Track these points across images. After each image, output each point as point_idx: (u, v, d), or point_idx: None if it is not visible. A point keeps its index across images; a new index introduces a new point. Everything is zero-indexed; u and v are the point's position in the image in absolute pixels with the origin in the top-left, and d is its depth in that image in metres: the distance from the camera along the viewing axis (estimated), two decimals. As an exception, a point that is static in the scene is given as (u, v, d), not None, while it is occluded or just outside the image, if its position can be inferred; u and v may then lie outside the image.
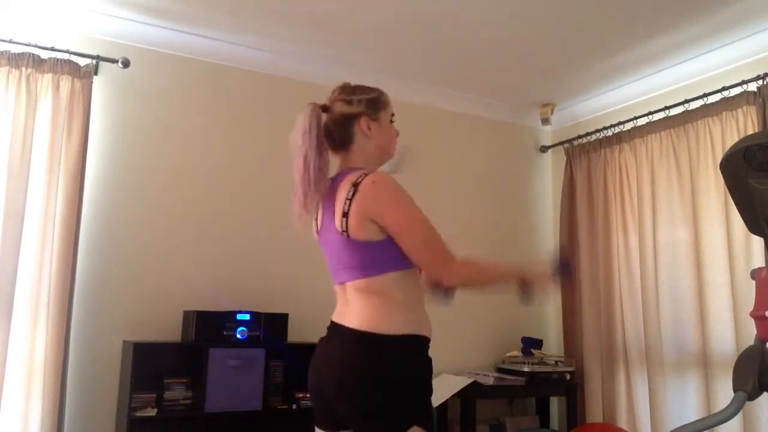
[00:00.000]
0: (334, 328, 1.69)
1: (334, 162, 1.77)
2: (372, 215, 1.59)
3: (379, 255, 1.62)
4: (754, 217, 1.99)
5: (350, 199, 1.60)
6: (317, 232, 1.79)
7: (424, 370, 1.64)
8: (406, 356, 1.60)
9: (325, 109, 1.75)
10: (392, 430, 1.53)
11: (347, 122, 1.73)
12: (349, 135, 1.74)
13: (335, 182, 1.70)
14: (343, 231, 1.61)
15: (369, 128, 1.74)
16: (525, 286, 1.68)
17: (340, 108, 1.74)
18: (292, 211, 1.69)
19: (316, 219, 1.79)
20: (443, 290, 1.78)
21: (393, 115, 1.83)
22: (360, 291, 1.64)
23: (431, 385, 1.65)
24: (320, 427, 1.72)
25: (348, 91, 1.77)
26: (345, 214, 1.60)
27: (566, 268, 1.72)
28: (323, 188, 1.69)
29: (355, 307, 1.64)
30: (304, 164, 1.66)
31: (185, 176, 3.28)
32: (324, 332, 1.73)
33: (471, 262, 1.66)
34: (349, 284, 1.66)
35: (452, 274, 1.65)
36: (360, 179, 1.62)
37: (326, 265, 1.76)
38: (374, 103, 1.77)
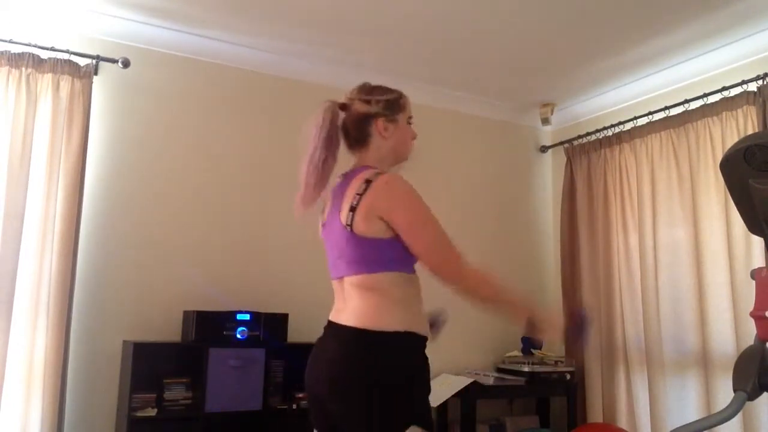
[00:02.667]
0: (331, 327, 1.69)
1: (349, 159, 1.77)
2: (382, 213, 1.59)
3: (383, 253, 1.61)
4: (754, 217, 1.99)
5: (360, 195, 1.60)
6: (322, 225, 1.79)
7: (422, 368, 1.63)
8: (403, 354, 1.59)
9: (343, 107, 1.75)
10: (389, 431, 1.52)
11: (364, 122, 1.73)
12: (365, 134, 1.74)
13: (348, 178, 1.70)
14: (347, 225, 1.61)
15: (386, 129, 1.74)
16: (532, 329, 1.65)
17: (358, 107, 1.74)
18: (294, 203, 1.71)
19: (323, 213, 1.79)
20: (432, 327, 1.80)
21: (411, 117, 1.83)
22: (358, 287, 1.63)
23: (429, 383, 1.64)
24: (316, 428, 1.72)
25: (367, 90, 1.77)
26: (353, 209, 1.60)
27: (580, 332, 1.68)
28: (323, 184, 1.70)
29: (351, 304, 1.63)
30: (310, 158, 1.67)
31: (185, 176, 3.28)
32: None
33: (486, 273, 1.65)
34: (347, 280, 1.66)
35: (463, 276, 1.64)
36: (373, 177, 1.62)
37: (327, 260, 1.76)
38: (392, 104, 1.77)
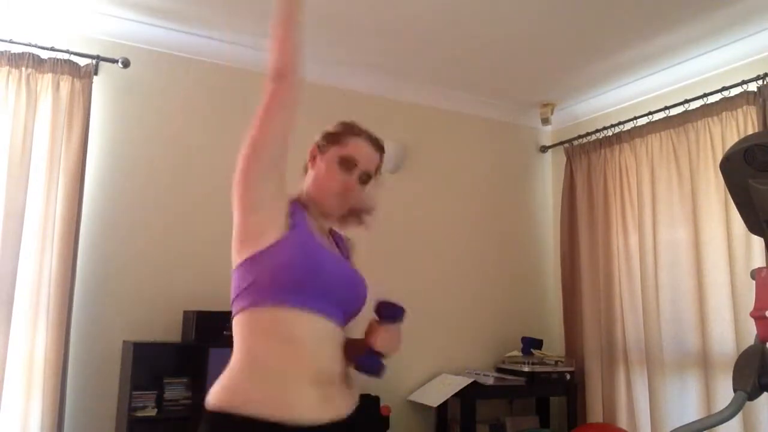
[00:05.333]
0: None
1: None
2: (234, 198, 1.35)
3: (244, 278, 1.34)
4: (754, 218, 1.99)
5: None
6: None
7: None
8: None
9: None
10: None
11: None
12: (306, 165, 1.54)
13: None
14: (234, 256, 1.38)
15: (313, 158, 1.52)
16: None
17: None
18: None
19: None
20: (369, 358, 1.40)
21: (356, 163, 1.47)
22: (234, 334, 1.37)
23: None
24: None
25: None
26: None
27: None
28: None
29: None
30: None
31: (185, 176, 3.28)
32: None
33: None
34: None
35: (275, 75, 1.32)
36: None
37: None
38: (331, 135, 1.51)
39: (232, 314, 1.36)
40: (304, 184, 1.52)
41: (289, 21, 1.34)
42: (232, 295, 1.36)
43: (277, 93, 1.32)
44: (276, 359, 1.29)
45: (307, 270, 1.32)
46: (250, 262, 1.32)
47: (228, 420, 1.24)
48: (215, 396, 1.30)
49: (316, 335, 1.32)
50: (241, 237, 1.34)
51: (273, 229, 1.32)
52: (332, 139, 1.50)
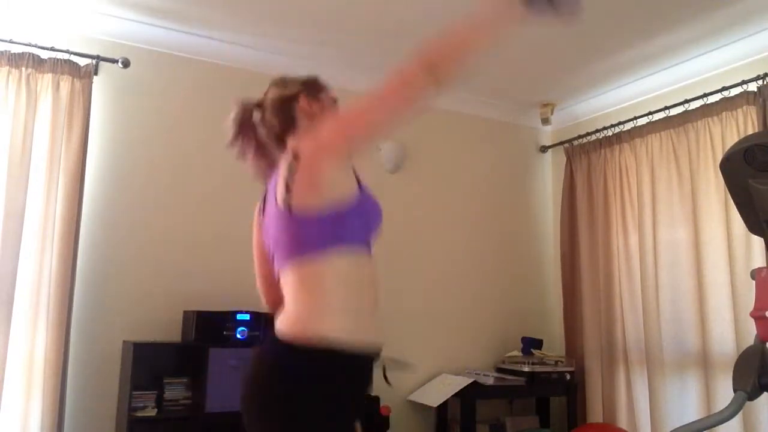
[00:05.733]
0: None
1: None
2: (311, 149, 1.41)
3: (318, 229, 1.40)
4: (754, 218, 1.99)
5: (290, 163, 1.43)
6: (259, 225, 1.72)
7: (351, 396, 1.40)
8: (333, 378, 1.36)
9: (258, 105, 1.65)
10: None
11: (285, 105, 1.59)
12: (288, 120, 1.58)
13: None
14: (282, 203, 1.43)
15: (310, 106, 1.59)
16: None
17: (272, 93, 1.62)
18: None
19: (260, 214, 1.73)
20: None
21: (335, 99, 1.65)
22: (292, 281, 1.44)
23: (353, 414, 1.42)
24: None
25: (279, 79, 1.66)
26: (287, 185, 1.42)
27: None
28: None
29: (286, 308, 1.45)
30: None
31: (185, 176, 3.28)
32: None
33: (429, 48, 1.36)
34: (282, 274, 1.48)
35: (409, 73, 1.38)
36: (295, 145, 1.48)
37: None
38: (310, 84, 1.63)
39: (295, 262, 1.42)
40: (302, 129, 1.58)
41: (479, 38, 1.41)
42: (297, 243, 1.41)
43: (417, 81, 1.35)
44: (354, 298, 1.41)
45: (376, 225, 1.51)
46: (329, 216, 1.39)
47: (329, 354, 1.34)
48: (303, 334, 1.36)
49: (373, 274, 1.48)
50: (316, 187, 1.38)
51: (349, 187, 1.43)
52: (317, 87, 1.63)
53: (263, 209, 1.65)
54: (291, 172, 1.40)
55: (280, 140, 1.61)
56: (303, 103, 1.59)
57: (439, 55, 1.38)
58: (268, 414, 1.32)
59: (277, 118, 1.60)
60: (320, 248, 1.39)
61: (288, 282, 1.44)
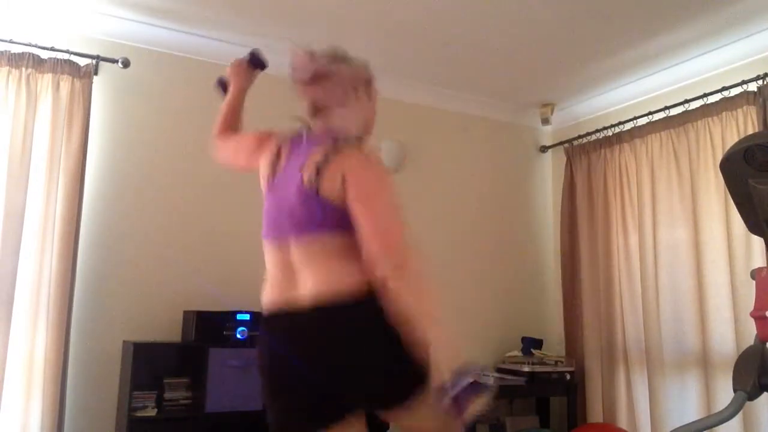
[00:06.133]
0: (299, 312, 1.61)
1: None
2: (348, 181, 1.59)
3: (340, 215, 1.61)
4: (754, 218, 1.99)
5: (329, 156, 1.60)
6: (270, 178, 1.79)
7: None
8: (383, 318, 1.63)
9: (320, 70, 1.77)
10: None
11: (346, 86, 1.75)
12: (339, 99, 1.74)
13: (315, 139, 1.71)
14: (309, 183, 1.59)
15: (368, 98, 1.78)
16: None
17: (344, 71, 1.76)
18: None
19: (271, 165, 1.83)
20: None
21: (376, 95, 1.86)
22: (321, 251, 1.61)
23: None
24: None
25: (341, 56, 1.81)
26: (319, 170, 1.59)
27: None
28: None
29: (314, 277, 1.61)
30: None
31: (185, 176, 3.28)
32: None
33: (424, 282, 1.62)
34: (303, 241, 1.63)
35: (405, 255, 1.59)
36: (348, 145, 1.63)
37: (264, 219, 1.74)
38: (371, 78, 1.82)
39: (316, 235, 1.59)
40: (343, 120, 1.71)
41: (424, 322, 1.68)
42: (317, 221, 1.59)
43: (391, 255, 1.57)
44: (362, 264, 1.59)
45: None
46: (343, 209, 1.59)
47: (375, 297, 1.55)
48: (358, 287, 1.55)
49: None
50: (335, 190, 1.58)
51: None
52: (372, 80, 1.80)
53: (277, 162, 1.78)
54: (326, 162, 1.57)
55: (319, 112, 1.76)
56: (360, 92, 1.76)
57: (410, 286, 1.63)
58: (377, 357, 1.57)
59: (332, 93, 1.74)
60: (344, 228, 1.58)
61: (313, 250, 1.58)
